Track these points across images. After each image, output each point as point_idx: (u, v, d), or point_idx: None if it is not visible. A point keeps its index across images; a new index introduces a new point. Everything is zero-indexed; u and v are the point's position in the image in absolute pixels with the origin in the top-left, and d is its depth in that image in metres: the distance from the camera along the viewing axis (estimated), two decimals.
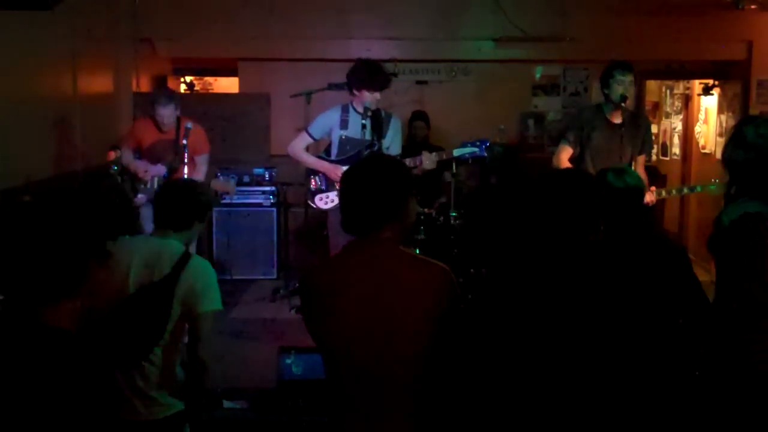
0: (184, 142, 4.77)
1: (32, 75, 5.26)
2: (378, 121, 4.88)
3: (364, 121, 4.83)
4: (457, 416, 2.30)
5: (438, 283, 2.14)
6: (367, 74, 4.79)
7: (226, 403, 4.14)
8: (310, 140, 5.01)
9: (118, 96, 6.92)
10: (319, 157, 5.05)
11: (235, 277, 6.64)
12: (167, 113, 5.19)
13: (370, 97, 4.79)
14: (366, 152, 4.87)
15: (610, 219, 2.87)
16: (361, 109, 4.87)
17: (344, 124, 4.89)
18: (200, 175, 5.25)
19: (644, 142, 4.71)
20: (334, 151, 4.99)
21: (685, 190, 5.85)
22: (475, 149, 4.85)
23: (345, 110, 4.92)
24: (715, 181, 4.73)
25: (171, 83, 8.14)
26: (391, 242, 2.20)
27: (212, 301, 2.77)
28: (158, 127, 5.26)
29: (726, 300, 2.46)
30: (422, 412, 2.16)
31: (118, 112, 6.94)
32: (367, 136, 4.86)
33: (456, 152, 4.88)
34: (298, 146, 5.01)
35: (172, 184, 2.98)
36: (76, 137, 5.85)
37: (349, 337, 2.13)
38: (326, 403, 2.29)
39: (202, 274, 2.77)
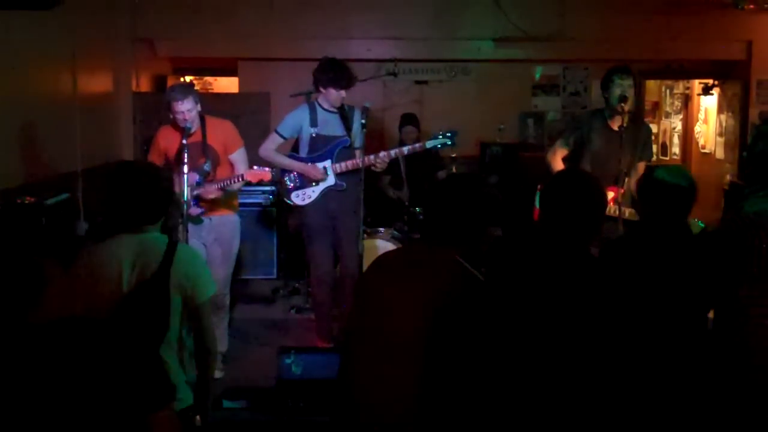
0: (184, 141, 4.17)
1: (32, 75, 5.26)
2: (345, 115, 4.98)
3: (335, 113, 4.93)
4: (460, 413, 2.30)
5: (464, 297, 2.19)
6: (335, 73, 4.84)
7: (226, 403, 4.14)
8: (281, 140, 5.03)
9: (117, 96, 6.93)
10: (290, 157, 5.07)
11: (235, 277, 6.64)
12: (187, 107, 4.32)
13: (335, 95, 4.85)
14: (338, 148, 4.93)
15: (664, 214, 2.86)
16: (327, 106, 4.95)
17: (314, 122, 4.95)
18: (236, 187, 4.57)
19: (644, 147, 4.66)
20: (304, 148, 5.02)
21: None
22: (446, 140, 5.00)
23: (312, 108, 4.98)
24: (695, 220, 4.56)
25: (171, 83, 8.14)
26: (451, 252, 2.27)
27: (207, 288, 2.74)
28: (181, 129, 4.32)
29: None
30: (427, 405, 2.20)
31: (118, 112, 6.94)
32: (340, 131, 4.95)
33: (428, 144, 5.02)
34: (270, 148, 5.01)
35: (128, 177, 2.72)
36: (76, 137, 5.85)
37: (368, 330, 2.25)
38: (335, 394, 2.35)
39: (192, 262, 2.71)
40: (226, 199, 4.62)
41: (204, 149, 4.49)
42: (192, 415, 2.73)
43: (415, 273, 2.25)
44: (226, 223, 4.61)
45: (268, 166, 4.74)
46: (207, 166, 4.48)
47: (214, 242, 4.58)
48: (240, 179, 4.54)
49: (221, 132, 4.60)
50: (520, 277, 2.30)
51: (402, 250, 2.50)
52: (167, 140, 4.54)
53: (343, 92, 4.87)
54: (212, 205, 4.53)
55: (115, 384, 1.64)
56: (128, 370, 1.67)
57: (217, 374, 4.61)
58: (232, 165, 4.65)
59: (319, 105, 4.97)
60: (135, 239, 2.69)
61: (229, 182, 4.52)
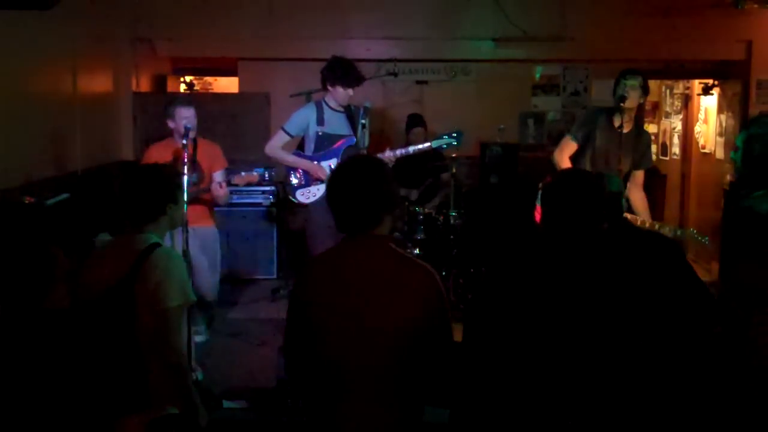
0: (184, 141, 4.34)
1: (32, 75, 5.26)
2: (351, 115, 5.04)
3: (341, 112, 5.03)
4: (459, 409, 2.30)
5: (420, 283, 2.24)
6: (343, 71, 4.91)
7: (226, 403, 4.15)
8: (287, 138, 5.07)
9: (117, 96, 6.93)
10: (296, 155, 5.11)
11: (235, 277, 6.64)
12: (192, 113, 4.75)
13: (343, 93, 4.92)
14: (344, 147, 4.99)
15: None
16: (334, 105, 5.01)
17: (320, 121, 4.99)
18: (222, 192, 4.82)
19: (643, 155, 4.66)
20: (310, 146, 5.05)
21: (666, 229, 4.41)
22: (452, 140, 5.08)
23: (319, 107, 5.02)
24: (693, 231, 4.54)
25: (171, 83, 8.14)
26: (383, 240, 2.32)
27: (176, 294, 2.58)
28: (177, 142, 4.63)
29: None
30: (407, 405, 2.23)
31: (118, 112, 6.95)
32: (346, 131, 5.01)
33: (434, 143, 5.10)
34: (276, 145, 5.06)
35: (131, 173, 2.78)
36: (76, 137, 5.86)
37: (334, 329, 2.23)
38: (306, 398, 2.34)
39: (162, 264, 2.58)
40: (206, 212, 4.95)
41: (193, 163, 4.72)
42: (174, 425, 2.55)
43: (365, 270, 2.26)
44: (208, 234, 4.93)
45: (275, 164, 4.87)
46: (194, 178, 4.74)
47: (199, 251, 4.73)
48: (225, 187, 4.81)
49: (210, 152, 4.94)
50: (522, 277, 2.30)
51: (339, 250, 2.38)
52: (159, 156, 4.71)
53: (350, 91, 4.94)
54: (195, 215, 4.67)
55: (95, 378, 1.65)
56: (106, 368, 1.68)
57: (200, 338, 4.95)
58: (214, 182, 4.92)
59: (326, 104, 5.02)
60: (127, 240, 2.68)
61: (222, 184, 4.79)
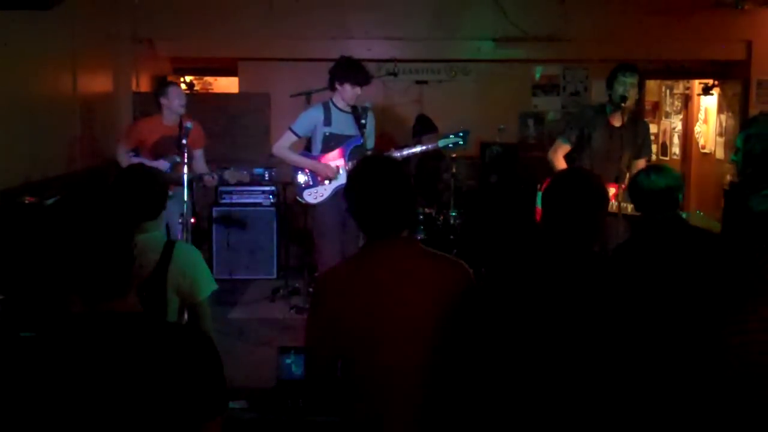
0: (184, 141, 4.55)
1: (32, 75, 5.26)
2: (358, 115, 5.05)
3: (348, 113, 5.04)
4: (467, 411, 2.30)
5: (456, 277, 2.23)
6: (351, 69, 4.94)
7: None
8: (295, 138, 5.09)
9: (118, 96, 6.93)
10: (303, 155, 5.12)
11: (235, 277, 6.64)
12: (181, 94, 5.15)
13: (351, 92, 4.93)
14: (351, 147, 4.99)
15: (650, 217, 3.04)
16: (341, 105, 5.03)
17: (328, 121, 5.01)
18: (202, 168, 5.26)
19: (643, 144, 4.70)
20: (317, 147, 5.06)
21: None
22: (459, 140, 5.10)
23: (326, 107, 5.03)
24: (700, 213, 4.56)
25: None
26: (409, 240, 2.29)
27: (207, 285, 2.78)
28: (165, 121, 5.14)
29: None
30: (436, 404, 2.20)
31: (118, 112, 6.94)
32: (353, 131, 5.02)
33: (441, 143, 5.12)
34: (284, 145, 5.09)
35: (135, 174, 2.86)
36: (76, 137, 5.86)
37: (373, 336, 2.19)
38: (339, 401, 2.32)
39: (189, 260, 2.74)
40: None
41: (177, 143, 4.84)
42: None
43: (407, 271, 2.21)
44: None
45: (281, 163, 5.09)
46: (178, 158, 4.87)
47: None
48: (216, 178, 5.05)
49: (194, 131, 5.02)
50: (523, 277, 2.29)
51: (369, 256, 2.27)
52: (146, 131, 5.17)
53: (358, 89, 4.96)
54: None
55: (173, 386, 1.65)
56: (191, 373, 1.68)
57: None
58: (195, 159, 5.22)
59: (334, 104, 5.04)
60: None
61: (213, 176, 5.05)
